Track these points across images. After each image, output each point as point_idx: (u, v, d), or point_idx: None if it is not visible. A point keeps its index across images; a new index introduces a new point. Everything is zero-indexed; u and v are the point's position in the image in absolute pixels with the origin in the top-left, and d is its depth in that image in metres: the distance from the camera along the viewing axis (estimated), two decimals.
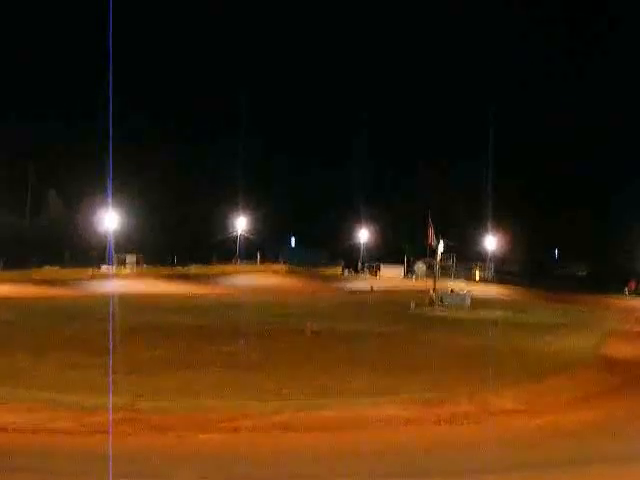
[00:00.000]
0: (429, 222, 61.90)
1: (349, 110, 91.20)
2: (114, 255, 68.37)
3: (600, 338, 37.70)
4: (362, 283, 73.03)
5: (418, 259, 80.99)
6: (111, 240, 66.26)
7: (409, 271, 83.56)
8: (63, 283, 57.78)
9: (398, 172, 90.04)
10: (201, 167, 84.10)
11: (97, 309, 37.96)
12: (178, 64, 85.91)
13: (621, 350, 34.68)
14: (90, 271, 64.38)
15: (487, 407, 20.91)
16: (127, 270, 69.33)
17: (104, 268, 65.44)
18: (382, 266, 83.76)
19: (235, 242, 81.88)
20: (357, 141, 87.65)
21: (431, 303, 53.19)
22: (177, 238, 76.45)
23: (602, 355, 32.43)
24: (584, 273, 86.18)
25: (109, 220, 67.57)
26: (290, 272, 77.22)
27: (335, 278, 78.66)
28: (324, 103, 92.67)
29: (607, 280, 75.92)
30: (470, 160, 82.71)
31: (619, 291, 73.07)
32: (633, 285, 75.04)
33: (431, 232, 62.02)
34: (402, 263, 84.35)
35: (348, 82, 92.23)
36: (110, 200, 64.41)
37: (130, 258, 73.37)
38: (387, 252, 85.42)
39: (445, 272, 74.30)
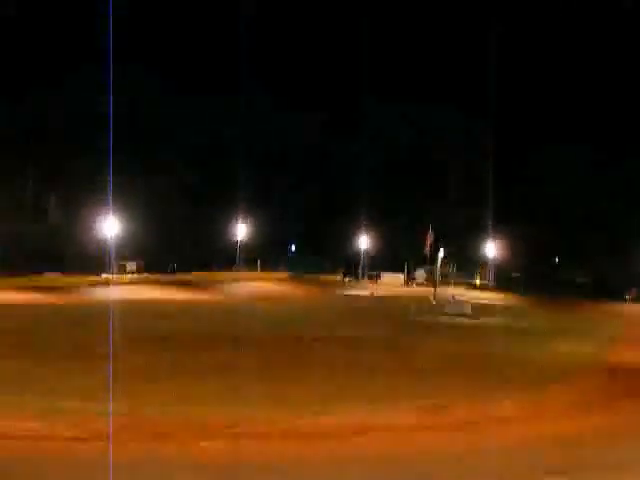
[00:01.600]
0: (428, 230, 62.16)
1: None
2: (114, 262, 68.28)
3: (601, 345, 37.71)
4: (362, 290, 73.13)
5: (418, 267, 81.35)
6: (112, 247, 66.35)
7: (409, 279, 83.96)
8: (63, 290, 57.62)
9: (398, 180, 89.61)
10: (203, 174, 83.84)
11: (97, 316, 37.87)
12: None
13: (623, 357, 34.67)
14: (90, 278, 64.30)
15: (487, 414, 20.87)
16: (128, 277, 69.33)
17: (104, 275, 65.39)
18: (382, 273, 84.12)
19: (235, 249, 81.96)
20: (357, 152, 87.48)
21: (431, 310, 53.25)
22: (178, 245, 76.51)
23: (604, 362, 32.40)
24: (585, 280, 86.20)
25: (109, 226, 67.71)
26: (291, 279, 77.31)
27: (336, 285, 78.73)
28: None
29: (608, 287, 76.08)
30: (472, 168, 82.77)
31: (620, 298, 73.27)
32: (634, 292, 75.29)
33: (429, 240, 62.28)
34: (402, 271, 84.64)
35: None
36: (110, 206, 64.58)
37: (130, 265, 73.49)
38: (387, 260, 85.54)
39: (445, 279, 74.53)
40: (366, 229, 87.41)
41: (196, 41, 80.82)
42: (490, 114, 78.30)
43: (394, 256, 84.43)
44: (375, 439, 17.78)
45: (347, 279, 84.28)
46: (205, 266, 75.51)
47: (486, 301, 64.27)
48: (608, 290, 75.20)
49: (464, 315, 51.50)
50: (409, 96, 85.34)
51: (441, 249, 63.63)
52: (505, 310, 58.27)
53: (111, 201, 62.72)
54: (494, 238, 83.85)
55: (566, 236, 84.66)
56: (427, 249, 63.06)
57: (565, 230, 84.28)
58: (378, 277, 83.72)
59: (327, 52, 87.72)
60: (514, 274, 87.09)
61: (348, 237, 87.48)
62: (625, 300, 73.78)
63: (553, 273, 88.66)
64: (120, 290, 56.71)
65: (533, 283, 78.53)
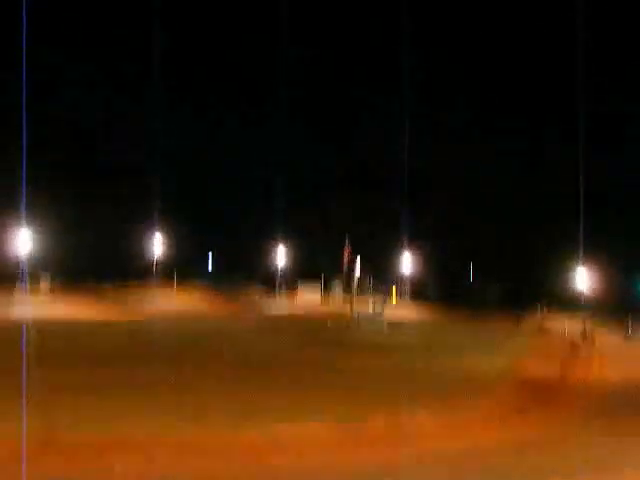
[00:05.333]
0: (346, 245, 62.48)
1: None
2: (27, 277, 66.81)
3: (515, 358, 38.38)
4: (280, 305, 73.10)
5: (335, 282, 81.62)
6: (24, 261, 64.92)
7: (327, 294, 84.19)
8: None
9: (316, 193, 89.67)
10: (117, 188, 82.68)
11: (7, 333, 36.99)
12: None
13: (535, 369, 35.38)
14: (1, 294, 62.78)
15: (404, 429, 21.05)
16: (41, 293, 67.93)
17: (16, 290, 63.94)
18: (300, 288, 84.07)
19: (152, 264, 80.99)
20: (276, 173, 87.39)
21: (348, 325, 53.55)
22: (93, 260, 75.30)
23: (517, 375, 33.01)
24: (499, 294, 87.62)
25: (22, 240, 66.29)
26: (207, 294, 76.66)
27: (253, 300, 78.41)
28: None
29: (521, 300, 77.65)
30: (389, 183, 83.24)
31: (532, 311, 74.93)
32: (544, 306, 77.11)
33: (347, 255, 62.59)
34: (320, 286, 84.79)
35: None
36: (23, 219, 63.34)
37: (44, 280, 72.02)
38: (304, 274, 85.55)
39: (362, 294, 74.88)
40: (283, 244, 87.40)
41: None
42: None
43: (312, 271, 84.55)
44: (290, 454, 17.81)
45: (265, 295, 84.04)
46: (121, 281, 74.39)
47: (402, 316, 64.84)
48: (521, 303, 76.81)
49: (380, 331, 51.89)
50: None
51: (358, 263, 64.05)
52: (421, 325, 58.90)
53: (24, 214, 61.54)
54: (410, 253, 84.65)
55: (480, 250, 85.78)
56: (345, 264, 63.42)
57: (480, 243, 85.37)
58: (295, 292, 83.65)
59: None
60: (430, 289, 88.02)
61: (266, 252, 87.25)
62: (538, 313, 75.48)
63: (468, 287, 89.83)
64: (33, 306, 55.44)
65: (449, 298, 79.51)
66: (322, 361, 34.56)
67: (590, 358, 44.01)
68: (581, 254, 71.46)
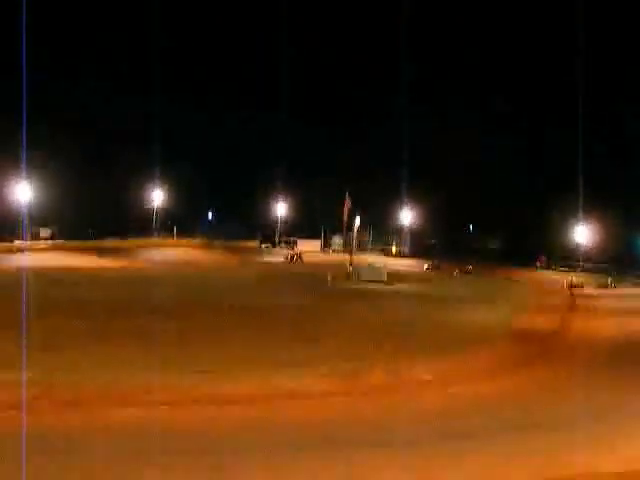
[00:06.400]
0: (346, 198, 62.28)
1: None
2: (28, 229, 66.87)
3: (514, 310, 38.51)
4: (279, 257, 73.23)
5: (335, 234, 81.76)
6: (25, 213, 64.96)
7: (326, 245, 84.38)
8: None
9: (317, 146, 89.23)
10: (118, 139, 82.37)
11: (9, 283, 37.16)
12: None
13: (534, 322, 35.49)
14: (3, 245, 62.85)
15: (402, 378, 21.19)
16: (42, 244, 68.02)
17: (18, 242, 64.04)
18: (299, 240, 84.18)
19: (152, 216, 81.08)
20: (278, 114, 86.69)
21: (348, 277, 53.62)
22: (93, 212, 75.29)
23: (516, 327, 33.11)
24: (498, 247, 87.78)
25: (23, 193, 66.31)
26: (207, 246, 76.80)
27: (253, 252, 78.55)
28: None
29: (520, 254, 77.85)
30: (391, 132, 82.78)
31: (531, 265, 75.20)
32: (543, 260, 77.37)
33: (347, 208, 62.44)
34: (319, 237, 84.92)
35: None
36: (24, 172, 63.31)
37: (44, 232, 72.12)
38: (304, 227, 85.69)
39: (362, 246, 75.09)
40: (283, 196, 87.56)
41: None
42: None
43: (311, 223, 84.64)
44: (291, 404, 17.92)
45: (264, 246, 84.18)
46: (121, 233, 74.48)
47: (402, 268, 64.97)
48: (520, 257, 77.00)
49: (380, 282, 51.98)
50: None
51: (357, 216, 64.09)
52: (420, 277, 59.04)
53: (24, 166, 61.49)
54: (411, 206, 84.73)
55: (481, 203, 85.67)
56: (345, 216, 63.35)
57: (480, 197, 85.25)
58: (295, 243, 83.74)
59: None
60: (430, 241, 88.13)
61: (266, 204, 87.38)
62: (536, 267, 75.79)
63: (468, 240, 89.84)
64: (34, 258, 55.55)
65: (448, 250, 79.64)
66: (322, 311, 34.66)
67: (582, 310, 44.32)
68: (581, 210, 71.84)
